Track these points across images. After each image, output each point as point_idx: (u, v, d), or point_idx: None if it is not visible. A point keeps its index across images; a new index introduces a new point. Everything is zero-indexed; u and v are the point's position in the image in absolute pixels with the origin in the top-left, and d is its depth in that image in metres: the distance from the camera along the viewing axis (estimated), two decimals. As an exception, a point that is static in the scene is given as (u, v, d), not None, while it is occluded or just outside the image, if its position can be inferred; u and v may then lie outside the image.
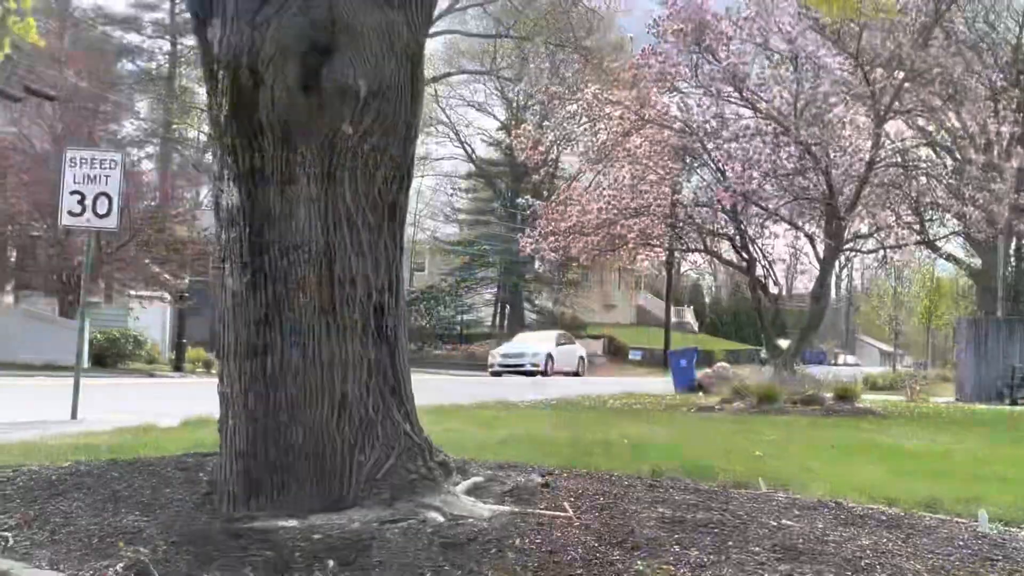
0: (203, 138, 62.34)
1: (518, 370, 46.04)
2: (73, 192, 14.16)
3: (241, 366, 5.47)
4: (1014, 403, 30.24)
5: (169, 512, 5.43)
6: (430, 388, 25.35)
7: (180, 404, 16.18)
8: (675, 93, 21.37)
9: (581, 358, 51.82)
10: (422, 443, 5.70)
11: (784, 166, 21.10)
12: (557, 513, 5.55)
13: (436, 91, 70.83)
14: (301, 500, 5.39)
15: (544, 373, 46.37)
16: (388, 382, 5.62)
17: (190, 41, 60.53)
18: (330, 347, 5.46)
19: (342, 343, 5.48)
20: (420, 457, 5.61)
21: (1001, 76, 39.47)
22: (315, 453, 5.42)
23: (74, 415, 13.78)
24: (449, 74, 70.27)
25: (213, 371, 33.95)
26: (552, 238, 21.92)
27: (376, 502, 5.33)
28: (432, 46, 67.25)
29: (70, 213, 14.21)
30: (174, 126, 64.36)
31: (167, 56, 67.34)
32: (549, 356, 48.04)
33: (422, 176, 74.58)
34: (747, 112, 21.25)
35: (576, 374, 49.90)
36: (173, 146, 63.86)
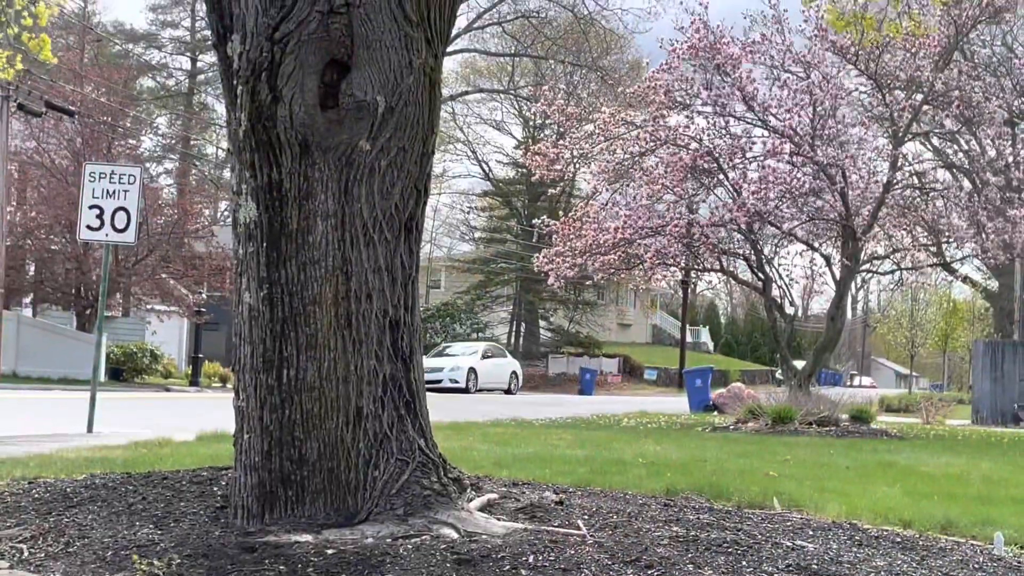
0: (221, 154, 62.61)
1: (435, 386, 40.78)
2: (92, 206, 14.24)
3: (257, 380, 5.48)
4: (1030, 426, 30.08)
5: (183, 526, 5.43)
6: (445, 405, 25.36)
7: (196, 418, 16.23)
8: (689, 112, 21.38)
9: (513, 373, 47.49)
10: (436, 459, 5.70)
11: (800, 186, 21.08)
12: (571, 531, 5.53)
13: (453, 109, 71.07)
14: (315, 514, 5.39)
15: (466, 390, 42.96)
16: (403, 397, 5.62)
17: (210, 58, 60.96)
18: (346, 362, 5.46)
19: (358, 358, 5.49)
20: (434, 473, 5.60)
21: (1020, 100, 39.44)
22: (330, 467, 5.43)
23: (90, 428, 13.83)
24: (466, 92, 70.53)
25: (229, 386, 34.05)
26: (568, 257, 21.94)
27: (390, 517, 5.33)
28: (450, 64, 67.57)
29: (89, 227, 14.28)
30: (192, 142, 64.70)
31: (186, 73, 67.76)
32: (472, 371, 44.34)
33: (439, 193, 74.84)
34: (761, 132, 21.26)
35: (507, 391, 46.10)
36: (191, 162, 64.19)
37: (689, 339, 76.03)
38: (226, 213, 54.50)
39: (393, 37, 5.51)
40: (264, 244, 5.47)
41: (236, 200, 5.62)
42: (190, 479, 6.73)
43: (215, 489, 6.32)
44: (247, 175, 5.52)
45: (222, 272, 40.78)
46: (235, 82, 5.49)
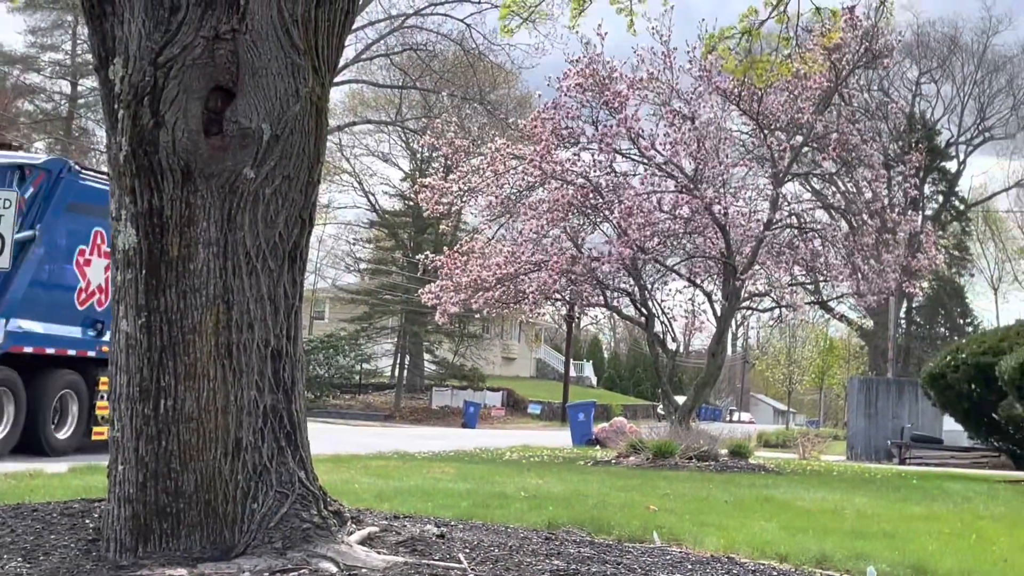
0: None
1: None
2: (-35, 230, 13.82)
3: (133, 410, 5.37)
4: (903, 463, 30.81)
5: (53, 559, 5.28)
6: (327, 437, 25.10)
7: (69, 449, 15.80)
8: (576, 148, 21.57)
9: None
10: (317, 492, 5.63)
11: (683, 224, 21.41)
12: (451, 565, 5.50)
13: (340, 139, 70.67)
14: (191, 548, 5.28)
15: None
16: (284, 429, 5.55)
17: (90, 82, 59.85)
18: (225, 392, 5.38)
19: (238, 388, 5.41)
20: (314, 506, 5.53)
21: (896, 143, 40.57)
22: (207, 500, 5.33)
23: (-43, 459, 13.40)
24: (354, 123, 70.18)
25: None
26: (453, 292, 21.91)
27: (268, 551, 5.24)
28: (337, 95, 67.26)
29: (-39, 251, 13.86)
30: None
31: (66, 97, 66.44)
32: None
33: (324, 224, 74.26)
34: (645, 168, 21.54)
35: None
36: (71, 187, 62.68)
37: (573, 373, 76.43)
38: (106, 240, 53.31)
39: (280, 65, 5.47)
40: (143, 271, 5.36)
41: (115, 226, 5.51)
42: (61, 511, 6.55)
43: (87, 522, 6.15)
44: (127, 201, 5.42)
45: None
46: (116, 106, 5.40)
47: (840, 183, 26.94)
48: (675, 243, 22.06)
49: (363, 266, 78.63)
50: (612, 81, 20.81)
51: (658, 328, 23.54)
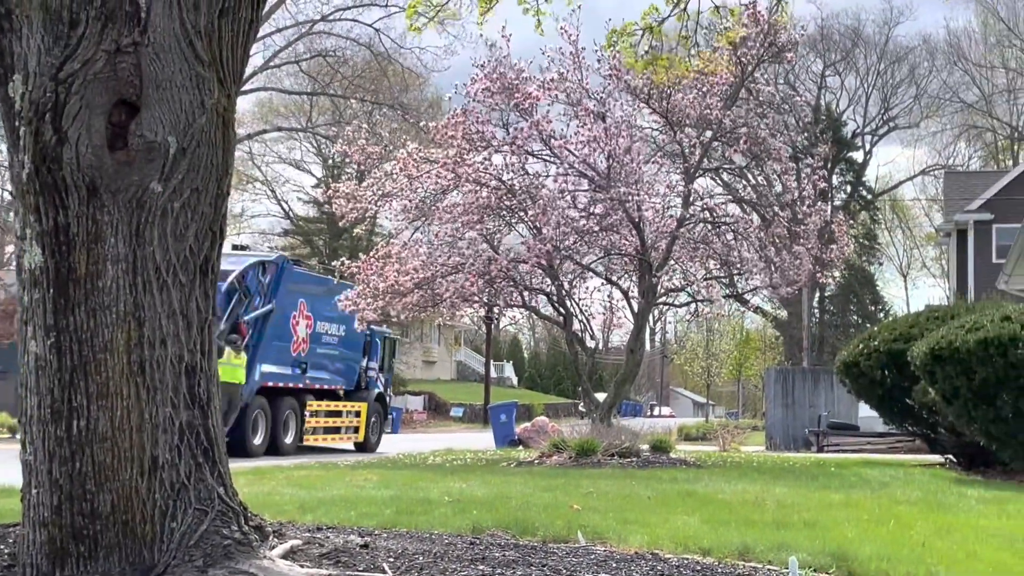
0: (7, 196, 60.25)
1: None
2: None
3: (45, 432, 5.27)
4: (821, 450, 31.24)
5: (-33, 588, 5.17)
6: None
7: (-19, 473, 15.48)
8: (488, 151, 21.56)
9: None
10: (237, 507, 5.57)
11: (597, 221, 21.49)
12: (376, 574, 5.48)
13: (251, 148, 70.12)
14: (110, 570, 5.21)
15: None
16: (201, 445, 5.49)
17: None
18: (140, 410, 5.31)
19: (152, 406, 5.35)
20: (235, 521, 5.48)
21: (803, 136, 41.17)
22: (124, 520, 5.25)
23: None
24: (264, 131, 69.60)
25: (19, 437, 32.65)
26: (371, 299, 21.75)
27: (188, 570, 5.18)
28: (245, 104, 66.70)
29: None
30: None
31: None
32: None
33: (238, 233, 73.47)
34: (559, 169, 21.59)
35: None
36: (-26, 205, 61.56)
37: (493, 375, 76.53)
38: (11, 258, 52.43)
39: (184, 77, 5.41)
40: (51, 290, 5.27)
41: (20, 245, 5.41)
42: (-26, 538, 6.41)
43: (1, 548, 6.03)
44: (31, 219, 5.32)
45: (10, 318, 39.17)
46: (17, 123, 5.30)
47: (751, 176, 27.27)
48: (591, 241, 22.12)
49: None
50: (521, 83, 20.84)
51: (576, 326, 23.63)
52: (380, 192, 22.44)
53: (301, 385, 27.77)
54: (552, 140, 21.09)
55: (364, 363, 32.00)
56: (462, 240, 21.85)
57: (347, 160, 54.44)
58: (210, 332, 5.64)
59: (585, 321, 24.17)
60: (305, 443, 27.85)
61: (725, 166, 24.43)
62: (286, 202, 77.23)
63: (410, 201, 22.13)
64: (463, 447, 26.47)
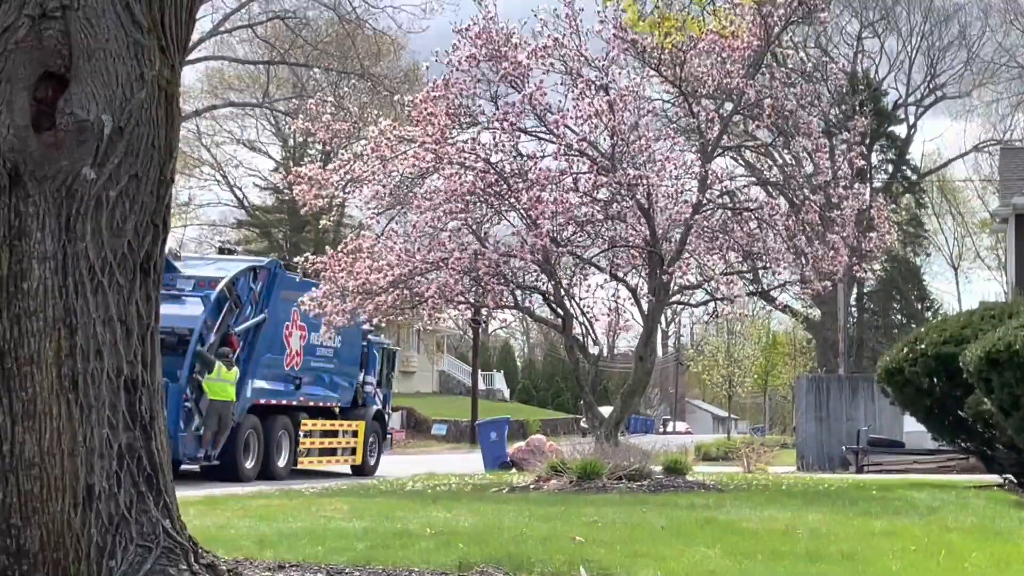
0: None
1: None
2: None
3: (-38, 458, 5.26)
4: (860, 471, 31.27)
5: None
6: (197, 473, 24.85)
7: None
8: (474, 128, 21.52)
9: None
10: (185, 543, 5.57)
11: (601, 209, 21.47)
12: (348, 619, 5.48)
13: (199, 127, 70.00)
14: (38, 617, 5.19)
15: None
16: (143, 471, 5.48)
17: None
18: (72, 432, 5.30)
19: (87, 427, 5.33)
20: (183, 560, 5.47)
21: (838, 108, 41.18)
22: (55, 559, 5.24)
23: None
24: (214, 107, 69.43)
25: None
26: (339, 300, 21.71)
27: (130, 616, 5.17)
28: (191, 75, 66.58)
29: None
30: None
31: None
32: None
33: (184, 226, 73.54)
34: (555, 148, 21.52)
35: None
36: None
37: (482, 386, 76.52)
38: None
39: (120, 45, 5.39)
40: (-33, 294, 5.26)
41: (-68, 242, 5.40)
42: None
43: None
44: (-55, 212, 5.31)
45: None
46: (-73, 101, 5.29)
47: (777, 155, 27.26)
48: (593, 231, 22.08)
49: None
50: (511, 50, 20.79)
51: (577, 330, 23.60)
52: (349, 176, 22.41)
53: (295, 402, 28.68)
54: (548, 116, 21.04)
55: (361, 377, 32.53)
56: (444, 231, 21.81)
57: (310, 140, 54.33)
58: (154, 340, 5.63)
59: (587, 324, 24.12)
60: (299, 466, 28.70)
61: (748, 143, 24.39)
62: (240, 188, 77.25)
63: (384, 187, 22.11)
64: (447, 470, 26.47)
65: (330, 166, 23.45)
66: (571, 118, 21.16)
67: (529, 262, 21.54)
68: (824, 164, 22.82)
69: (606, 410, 25.05)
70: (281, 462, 27.71)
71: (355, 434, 31.26)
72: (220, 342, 25.11)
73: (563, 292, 22.83)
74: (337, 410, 31.35)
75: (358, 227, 29.46)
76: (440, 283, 21.48)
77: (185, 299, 24.82)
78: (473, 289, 22.44)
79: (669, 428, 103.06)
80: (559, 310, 23.04)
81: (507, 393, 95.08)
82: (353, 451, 31.24)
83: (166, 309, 24.22)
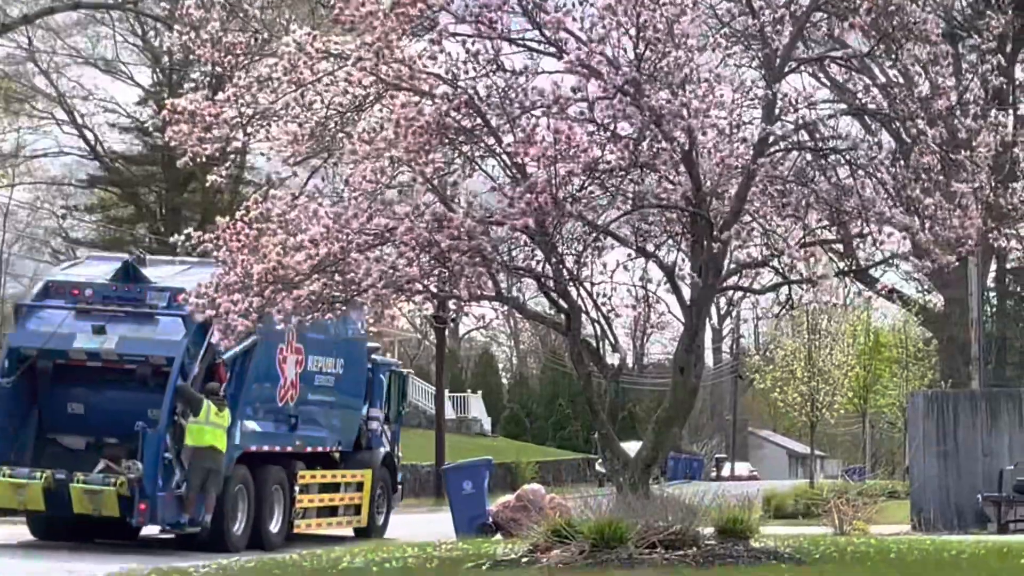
0: None
1: None
2: None
3: None
4: (1004, 529, 31.27)
5: None
6: (173, 541, 25.01)
7: None
8: (433, 33, 21.38)
9: None
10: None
11: (623, 151, 21.37)
12: None
13: (31, 41, 69.89)
14: None
15: None
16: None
17: None
18: None
19: None
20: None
21: (966, 2, 41.16)
22: None
23: None
24: (52, 10, 69.28)
25: None
26: (239, 293, 21.47)
27: None
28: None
29: None
30: None
31: None
32: None
33: (11, 186, 73.46)
34: (555, 63, 21.45)
35: None
36: None
37: (451, 415, 76.54)
38: None
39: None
40: None
41: None
42: None
43: None
44: None
45: None
46: None
47: (878, 70, 27.23)
48: (611, 185, 22.01)
49: (83, 252, 77.90)
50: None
51: (588, 330, 23.58)
52: (250, 111, 22.33)
53: (290, 448, 30.26)
54: (542, 13, 20.90)
55: (366, 411, 33.57)
56: (392, 188, 21.77)
57: (193, 58, 54.48)
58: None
59: (602, 321, 24.02)
60: (296, 530, 30.20)
61: (834, 54, 24.37)
62: (92, 131, 77.06)
63: (302, 125, 22.06)
64: (403, 535, 26.53)
65: (222, 96, 23.32)
66: (576, 16, 21.01)
67: (518, 231, 21.48)
68: (946, 83, 22.76)
69: (632, 447, 25.03)
70: (275, 526, 29.05)
71: (359, 487, 32.25)
72: (206, 374, 25.60)
73: (567, 275, 22.78)
74: (338, 455, 32.37)
75: (265, 184, 29.41)
76: (386, 265, 21.40)
77: (160, 318, 25.67)
78: (435, 272, 22.36)
79: (725, 471, 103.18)
80: (561, 302, 23.00)
81: (487, 424, 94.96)
82: (357, 509, 32.24)
83: (137, 332, 26.78)
